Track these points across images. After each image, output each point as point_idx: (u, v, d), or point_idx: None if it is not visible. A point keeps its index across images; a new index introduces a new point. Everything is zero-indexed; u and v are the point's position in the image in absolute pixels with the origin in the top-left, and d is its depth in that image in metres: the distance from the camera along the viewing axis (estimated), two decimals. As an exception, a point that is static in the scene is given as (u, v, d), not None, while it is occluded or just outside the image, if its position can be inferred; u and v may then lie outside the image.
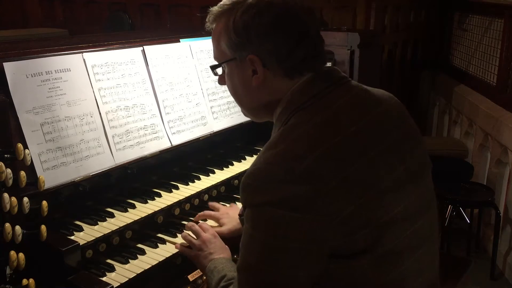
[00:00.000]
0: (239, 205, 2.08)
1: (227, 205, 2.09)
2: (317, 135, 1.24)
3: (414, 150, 1.38)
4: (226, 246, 1.73)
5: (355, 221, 1.21)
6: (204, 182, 2.17)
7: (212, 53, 1.48)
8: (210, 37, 1.48)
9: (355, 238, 1.22)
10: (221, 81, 1.50)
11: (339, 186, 1.19)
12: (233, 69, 1.41)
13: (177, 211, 1.98)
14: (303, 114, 1.30)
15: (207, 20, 1.46)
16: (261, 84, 1.36)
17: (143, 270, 1.68)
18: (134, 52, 2.10)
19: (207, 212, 1.98)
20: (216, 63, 1.47)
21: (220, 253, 1.68)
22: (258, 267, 1.24)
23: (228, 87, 1.47)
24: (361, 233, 1.22)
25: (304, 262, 1.22)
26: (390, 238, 1.25)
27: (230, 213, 1.95)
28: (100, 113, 1.91)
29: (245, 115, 1.52)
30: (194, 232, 1.79)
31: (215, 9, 1.43)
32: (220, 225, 1.91)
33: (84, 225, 1.75)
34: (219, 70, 1.48)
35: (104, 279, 1.61)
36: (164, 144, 2.12)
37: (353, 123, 1.27)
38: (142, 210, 1.89)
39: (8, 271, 1.44)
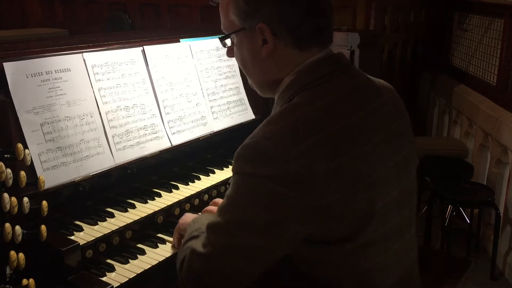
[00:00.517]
0: None
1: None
2: (317, 119, 1.24)
3: (404, 146, 1.39)
4: None
5: (339, 209, 1.22)
6: (204, 182, 2.17)
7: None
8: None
9: (337, 226, 1.23)
10: (230, 53, 1.48)
11: (330, 173, 1.19)
12: (242, 39, 1.38)
13: (177, 211, 1.98)
14: (306, 94, 1.30)
15: None
16: (270, 54, 1.34)
17: (143, 270, 1.68)
18: (134, 52, 2.10)
19: (209, 207, 1.98)
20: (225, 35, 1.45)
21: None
22: (226, 229, 1.23)
23: (236, 59, 1.46)
24: (344, 221, 1.23)
25: (272, 236, 1.21)
26: (371, 229, 1.27)
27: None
28: (100, 113, 1.91)
29: (252, 86, 1.50)
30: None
31: None
32: None
33: (84, 225, 1.75)
34: (228, 42, 1.45)
35: (104, 279, 1.61)
36: (164, 144, 2.12)
37: (354, 112, 1.28)
38: (142, 210, 1.89)
39: (8, 271, 1.44)
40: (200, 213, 1.78)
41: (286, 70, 1.35)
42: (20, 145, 1.46)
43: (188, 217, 1.73)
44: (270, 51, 1.33)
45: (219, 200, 2.02)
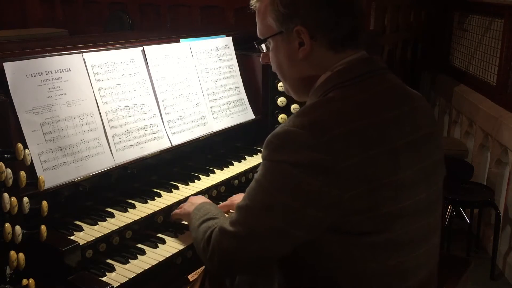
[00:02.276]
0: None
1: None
2: (347, 113, 1.27)
3: (433, 153, 1.41)
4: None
5: (363, 203, 1.24)
6: (204, 182, 2.17)
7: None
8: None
9: (360, 219, 1.26)
10: (264, 58, 1.53)
11: (356, 165, 1.22)
12: (279, 43, 1.42)
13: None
14: (339, 92, 1.33)
15: None
16: (307, 56, 1.38)
17: (143, 270, 1.68)
18: (134, 52, 2.10)
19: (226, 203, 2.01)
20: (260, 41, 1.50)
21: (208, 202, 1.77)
22: (254, 212, 1.30)
23: (272, 63, 1.50)
24: (367, 216, 1.26)
25: (296, 221, 1.26)
26: (396, 228, 1.29)
27: (240, 196, 1.95)
28: (100, 113, 1.91)
29: (287, 91, 1.54)
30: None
31: None
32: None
33: (84, 225, 1.75)
34: (263, 47, 1.50)
35: (104, 279, 1.61)
36: (164, 144, 2.12)
37: (384, 112, 1.31)
38: (142, 210, 1.89)
39: (8, 271, 1.44)
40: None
41: (321, 70, 1.39)
42: (20, 145, 1.46)
43: (194, 200, 1.82)
44: (307, 53, 1.37)
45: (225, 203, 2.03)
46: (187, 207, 1.81)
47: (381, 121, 1.29)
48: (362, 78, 1.35)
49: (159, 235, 1.88)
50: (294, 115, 1.31)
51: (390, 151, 1.27)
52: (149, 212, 1.88)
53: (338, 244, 1.30)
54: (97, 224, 1.77)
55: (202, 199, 1.85)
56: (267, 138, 1.31)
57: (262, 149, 1.33)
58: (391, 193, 1.27)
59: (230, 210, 1.97)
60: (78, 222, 1.77)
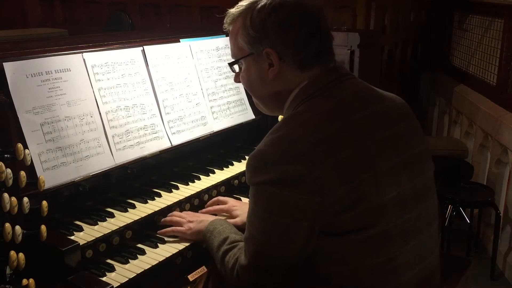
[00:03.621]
0: (244, 200, 2.10)
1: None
2: (315, 122, 1.34)
3: (413, 145, 1.45)
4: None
5: (347, 201, 1.29)
6: (204, 182, 2.17)
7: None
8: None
9: (345, 217, 1.30)
10: (237, 78, 1.61)
11: (332, 169, 1.27)
12: (250, 63, 1.50)
13: (177, 211, 1.98)
14: (309, 103, 1.40)
15: (224, 21, 1.55)
16: (276, 76, 1.46)
17: (143, 270, 1.68)
18: (134, 52, 2.10)
19: (217, 206, 2.00)
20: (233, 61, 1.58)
21: (211, 218, 1.80)
22: (258, 239, 1.36)
23: (243, 82, 1.57)
24: (352, 213, 1.30)
25: (296, 236, 1.31)
26: (380, 221, 1.33)
27: (241, 205, 1.96)
28: (100, 113, 1.91)
29: (258, 107, 1.63)
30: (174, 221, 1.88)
31: (232, 10, 1.52)
32: (233, 217, 1.91)
33: (84, 225, 1.75)
34: (236, 68, 1.58)
35: (104, 279, 1.61)
36: (164, 144, 2.12)
37: (353, 113, 1.36)
38: (142, 210, 1.89)
39: (8, 271, 1.44)
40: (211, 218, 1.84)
41: (290, 88, 1.46)
42: (20, 145, 1.46)
43: (201, 217, 1.85)
44: (276, 73, 1.45)
45: (223, 198, 2.03)
46: (195, 226, 1.81)
47: (349, 123, 1.34)
48: (326, 87, 1.41)
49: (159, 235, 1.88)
50: (267, 135, 1.39)
51: (363, 149, 1.32)
52: (149, 212, 1.88)
53: (328, 246, 1.34)
54: (97, 224, 1.77)
55: (209, 216, 1.89)
56: (247, 160, 1.38)
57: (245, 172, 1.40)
58: (371, 186, 1.31)
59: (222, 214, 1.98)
60: (78, 222, 1.77)
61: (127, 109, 2.00)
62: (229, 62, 1.58)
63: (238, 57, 1.53)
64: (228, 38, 2.51)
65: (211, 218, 1.81)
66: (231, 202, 2.01)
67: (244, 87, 1.60)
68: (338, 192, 1.27)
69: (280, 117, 1.62)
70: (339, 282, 1.36)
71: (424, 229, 1.43)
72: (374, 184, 1.31)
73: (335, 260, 1.35)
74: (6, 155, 1.46)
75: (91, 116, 1.88)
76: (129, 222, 1.80)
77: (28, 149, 1.53)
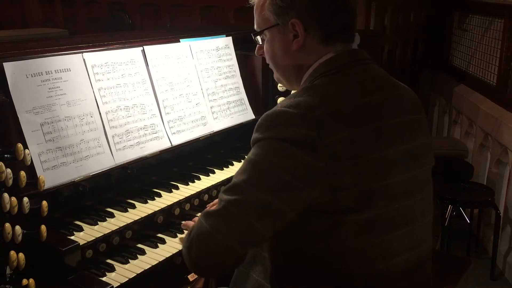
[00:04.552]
0: None
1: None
2: (332, 95, 1.36)
3: (418, 138, 1.46)
4: None
5: (348, 178, 1.29)
6: (204, 182, 2.17)
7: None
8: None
9: (344, 195, 1.30)
10: (259, 50, 1.61)
11: (341, 141, 1.29)
12: (275, 34, 1.50)
13: (177, 211, 1.98)
14: (327, 79, 1.41)
15: None
16: (300, 48, 1.46)
17: (143, 270, 1.68)
18: (134, 52, 2.10)
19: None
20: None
21: None
22: (242, 187, 1.31)
23: (266, 53, 1.56)
24: (351, 191, 1.30)
25: (285, 195, 1.29)
26: (377, 206, 1.34)
27: None
28: (100, 113, 1.91)
29: (278, 80, 1.62)
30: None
31: None
32: None
33: (84, 225, 1.75)
34: (259, 40, 1.57)
35: (104, 279, 1.61)
36: (164, 144, 2.12)
37: (367, 95, 1.39)
38: (142, 210, 1.89)
39: (8, 271, 1.44)
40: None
41: (311, 60, 1.47)
42: (20, 145, 1.46)
43: None
44: (300, 45, 1.45)
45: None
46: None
47: (364, 103, 1.37)
48: (346, 67, 1.42)
49: (159, 235, 1.88)
50: (284, 99, 1.39)
51: (373, 130, 1.34)
52: (149, 212, 1.88)
53: (323, 223, 1.34)
54: (97, 224, 1.77)
55: None
56: (258, 122, 1.36)
57: (253, 134, 1.37)
58: (374, 169, 1.33)
59: None
60: (78, 222, 1.77)
61: (127, 109, 2.00)
62: (253, 33, 1.57)
63: (263, 27, 1.52)
64: (228, 38, 2.55)
65: None
66: None
67: (266, 60, 1.58)
68: (342, 166, 1.28)
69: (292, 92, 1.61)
70: (327, 260, 1.36)
71: (418, 219, 1.45)
72: (377, 168, 1.33)
73: (329, 238, 1.34)
74: (6, 155, 1.46)
75: (91, 116, 1.88)
76: (129, 222, 1.80)
77: (28, 149, 1.53)
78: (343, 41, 1.47)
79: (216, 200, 1.74)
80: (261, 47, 1.58)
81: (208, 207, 1.87)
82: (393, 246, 1.39)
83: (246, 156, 2.40)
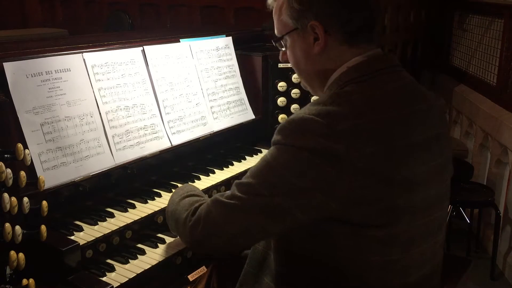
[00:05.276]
0: None
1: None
2: (362, 107, 1.30)
3: (444, 152, 1.43)
4: None
5: (372, 194, 1.25)
6: (204, 182, 2.17)
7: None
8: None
9: (368, 211, 1.27)
10: (283, 56, 1.56)
11: (368, 157, 1.24)
12: (295, 39, 1.46)
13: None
14: (355, 86, 1.35)
15: None
16: (322, 51, 1.41)
17: (143, 270, 1.68)
18: (134, 52, 2.10)
19: None
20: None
21: None
22: (259, 191, 1.30)
23: (289, 59, 1.53)
24: (375, 207, 1.26)
25: (299, 200, 1.27)
26: (401, 223, 1.30)
27: None
28: (100, 113, 1.91)
29: (304, 86, 1.58)
30: None
31: None
32: None
33: (84, 225, 1.75)
34: (283, 45, 1.53)
35: (104, 279, 1.61)
36: (164, 144, 2.12)
37: (398, 109, 1.33)
38: (142, 210, 1.89)
39: (8, 271, 1.44)
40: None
41: (336, 64, 1.41)
42: (20, 145, 1.46)
43: None
44: (322, 47, 1.40)
45: None
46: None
47: (394, 117, 1.31)
48: (377, 74, 1.37)
49: (159, 235, 1.88)
50: (310, 104, 1.34)
51: (402, 147, 1.29)
52: (149, 212, 1.88)
53: (346, 235, 1.30)
54: (97, 224, 1.77)
55: None
56: (281, 124, 1.32)
57: (274, 135, 1.33)
58: (401, 187, 1.28)
59: None
60: (78, 222, 1.77)
61: (127, 109, 2.00)
62: (274, 39, 1.54)
63: (283, 33, 1.48)
64: (228, 38, 2.55)
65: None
66: None
67: (291, 65, 1.55)
68: (367, 182, 1.24)
69: (313, 98, 1.57)
70: (347, 274, 1.34)
71: (436, 233, 1.43)
72: (405, 186, 1.29)
73: (350, 251, 1.31)
74: (6, 155, 1.46)
75: (91, 116, 1.88)
76: (129, 222, 1.80)
77: (28, 149, 1.53)
78: (368, 40, 1.42)
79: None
80: (285, 52, 1.54)
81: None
82: (411, 262, 1.36)
83: (246, 157, 2.43)
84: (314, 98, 2.60)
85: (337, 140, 1.23)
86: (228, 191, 1.38)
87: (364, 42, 1.41)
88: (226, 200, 1.34)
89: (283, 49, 1.54)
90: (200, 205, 1.43)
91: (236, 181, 1.37)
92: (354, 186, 1.24)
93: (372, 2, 1.42)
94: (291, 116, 1.32)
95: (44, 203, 1.53)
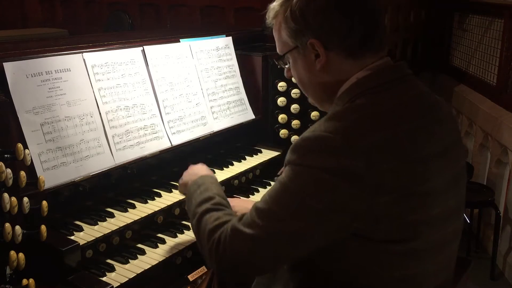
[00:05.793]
0: (244, 199, 2.09)
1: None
2: (379, 120, 1.27)
3: (460, 159, 1.41)
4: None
5: (393, 210, 1.23)
6: (204, 182, 2.16)
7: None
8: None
9: (388, 226, 1.24)
10: (288, 73, 1.53)
11: (388, 173, 1.21)
12: (296, 57, 1.44)
13: (177, 211, 1.98)
14: (368, 98, 1.32)
15: (267, 16, 1.50)
16: (324, 67, 1.38)
17: (143, 270, 1.68)
18: (134, 52, 2.10)
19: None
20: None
21: (209, 173, 1.71)
22: (280, 217, 1.26)
23: (294, 78, 1.51)
24: (395, 223, 1.24)
25: (321, 225, 1.24)
26: (422, 236, 1.29)
27: (239, 203, 1.93)
28: (100, 113, 1.91)
29: (312, 103, 1.55)
30: None
31: (273, 5, 1.47)
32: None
33: (84, 225, 1.75)
34: (286, 62, 1.51)
35: (104, 279, 1.61)
36: (164, 144, 2.12)
37: (414, 120, 1.31)
38: (142, 210, 1.89)
39: (8, 271, 1.44)
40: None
41: (342, 77, 1.38)
42: (20, 145, 1.46)
43: (195, 170, 1.75)
44: (323, 64, 1.38)
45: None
46: (186, 177, 1.75)
47: (411, 129, 1.28)
48: (390, 85, 1.34)
49: (159, 235, 1.88)
50: (325, 119, 1.30)
51: (421, 159, 1.27)
52: (149, 212, 1.88)
53: (365, 251, 1.28)
54: (97, 224, 1.77)
55: (204, 169, 1.76)
56: (296, 141, 1.29)
57: (288, 152, 1.30)
58: (421, 201, 1.26)
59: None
60: (78, 222, 1.77)
61: (127, 109, 2.00)
62: (276, 58, 1.53)
63: (284, 51, 1.46)
64: (228, 38, 2.55)
65: (209, 172, 1.72)
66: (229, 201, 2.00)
67: (295, 82, 1.52)
68: (388, 198, 1.22)
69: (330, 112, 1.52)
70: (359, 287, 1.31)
71: (452, 241, 1.42)
72: (424, 199, 1.27)
73: (368, 266, 1.29)
74: (6, 155, 1.46)
75: (91, 116, 1.88)
76: (129, 222, 1.80)
77: (28, 149, 1.53)
78: (372, 49, 1.38)
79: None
80: (289, 69, 1.51)
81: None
82: (430, 272, 1.35)
83: (246, 156, 2.43)
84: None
85: (356, 158, 1.20)
86: (246, 215, 1.32)
87: (369, 51, 1.38)
88: (247, 231, 1.28)
89: (287, 66, 1.52)
90: (222, 232, 1.33)
91: (255, 204, 1.32)
92: (375, 203, 1.21)
93: (370, 6, 1.38)
94: (306, 134, 1.29)
95: (44, 203, 1.53)
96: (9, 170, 1.42)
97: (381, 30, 1.41)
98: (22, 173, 1.46)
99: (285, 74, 1.55)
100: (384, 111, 1.29)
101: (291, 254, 1.30)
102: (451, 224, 1.38)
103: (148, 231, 1.88)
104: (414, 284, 1.33)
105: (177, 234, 1.89)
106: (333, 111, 1.35)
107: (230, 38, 2.55)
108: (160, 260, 1.75)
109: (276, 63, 1.54)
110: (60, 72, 1.82)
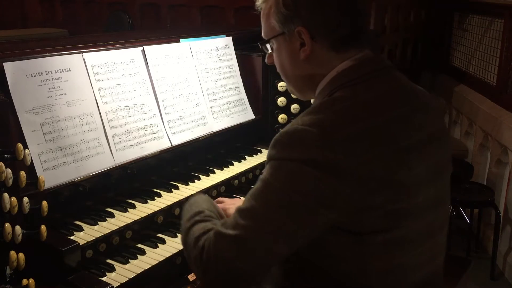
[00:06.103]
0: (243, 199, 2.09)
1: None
2: (356, 112, 1.28)
3: (441, 150, 1.42)
4: None
5: (374, 200, 1.24)
6: (204, 182, 2.17)
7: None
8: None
9: (369, 217, 1.26)
10: (269, 59, 1.55)
11: (367, 164, 1.22)
12: (281, 43, 1.45)
13: (177, 211, 1.98)
14: (346, 91, 1.34)
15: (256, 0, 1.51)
16: (308, 57, 1.39)
17: (143, 270, 1.68)
18: (134, 52, 2.10)
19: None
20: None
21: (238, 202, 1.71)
22: (261, 213, 1.25)
23: (275, 64, 1.52)
24: (377, 212, 1.25)
25: (305, 220, 1.24)
26: (404, 226, 1.30)
27: (237, 202, 1.94)
28: (100, 113, 1.91)
29: (291, 92, 1.56)
30: None
31: None
32: (228, 216, 1.88)
33: (84, 225, 1.75)
34: (268, 48, 1.52)
35: (104, 279, 1.61)
36: (164, 144, 2.12)
37: (392, 111, 1.32)
38: (142, 210, 1.89)
39: (8, 271, 1.44)
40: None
41: (324, 70, 1.40)
42: (20, 145, 1.46)
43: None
44: (308, 53, 1.39)
45: (220, 199, 2.02)
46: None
47: (389, 120, 1.29)
48: (368, 76, 1.35)
49: (159, 235, 1.88)
50: (303, 114, 1.31)
51: (399, 149, 1.28)
52: (149, 212, 1.88)
53: (348, 244, 1.29)
54: (97, 224, 1.77)
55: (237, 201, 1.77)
56: (275, 137, 1.29)
57: (268, 149, 1.30)
58: (401, 190, 1.27)
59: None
60: (78, 222, 1.77)
61: (127, 109, 2.00)
62: (260, 42, 1.52)
63: (269, 36, 1.47)
64: (228, 38, 2.55)
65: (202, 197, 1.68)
66: (226, 201, 1.99)
67: (276, 69, 1.52)
68: (368, 188, 1.23)
69: (312, 101, 1.53)
70: (348, 281, 1.32)
71: (437, 232, 1.42)
72: (404, 189, 1.28)
73: (353, 259, 1.30)
74: (6, 155, 1.46)
75: (91, 116, 1.88)
76: (129, 222, 1.80)
77: (28, 149, 1.53)
78: (356, 46, 1.39)
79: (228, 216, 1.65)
80: (271, 55, 1.52)
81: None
82: (414, 263, 1.36)
83: (246, 157, 2.43)
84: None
85: (334, 150, 1.21)
86: (229, 218, 1.30)
87: (352, 47, 1.39)
88: (230, 232, 1.25)
89: (269, 51, 1.52)
90: (205, 240, 1.30)
91: (238, 206, 1.30)
92: (355, 194, 1.22)
93: (359, 7, 1.40)
94: (285, 128, 1.30)
95: (44, 203, 1.53)
96: (9, 170, 1.42)
97: (366, 28, 1.44)
98: (22, 173, 1.46)
99: (266, 60, 1.56)
100: (362, 103, 1.30)
101: (280, 252, 1.27)
102: (435, 215, 1.39)
103: (148, 231, 1.88)
104: (397, 275, 1.34)
105: (177, 234, 1.89)
106: (313, 105, 1.36)
107: (230, 38, 2.55)
108: (160, 260, 1.75)
109: (260, 47, 1.54)
110: (60, 72, 1.82)
